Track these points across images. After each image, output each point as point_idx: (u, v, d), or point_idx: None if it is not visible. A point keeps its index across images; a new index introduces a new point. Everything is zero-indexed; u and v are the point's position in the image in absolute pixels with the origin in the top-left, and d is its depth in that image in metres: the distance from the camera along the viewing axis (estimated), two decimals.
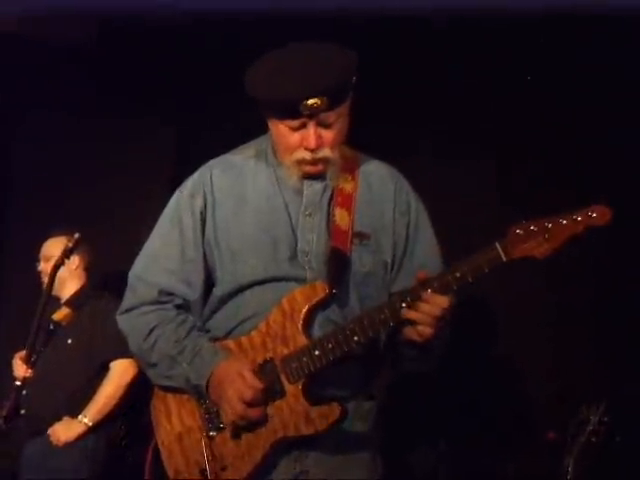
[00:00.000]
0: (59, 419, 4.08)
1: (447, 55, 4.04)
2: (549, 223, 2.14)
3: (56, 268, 4.16)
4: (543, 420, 3.71)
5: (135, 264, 2.52)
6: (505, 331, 3.93)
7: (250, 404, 2.28)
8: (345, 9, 3.79)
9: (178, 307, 2.45)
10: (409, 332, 2.26)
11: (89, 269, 4.42)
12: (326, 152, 2.36)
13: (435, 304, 2.19)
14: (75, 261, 4.34)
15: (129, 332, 2.48)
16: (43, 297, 4.13)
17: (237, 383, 2.28)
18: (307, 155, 2.36)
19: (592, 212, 2.12)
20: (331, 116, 2.32)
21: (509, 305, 3.88)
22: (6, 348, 4.47)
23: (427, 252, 2.49)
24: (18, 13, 4.23)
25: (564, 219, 2.13)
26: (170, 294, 2.45)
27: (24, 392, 4.13)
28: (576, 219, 2.12)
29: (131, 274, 2.51)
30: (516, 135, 3.96)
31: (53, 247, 4.32)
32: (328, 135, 2.35)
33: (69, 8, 4.06)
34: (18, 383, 4.13)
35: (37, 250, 4.39)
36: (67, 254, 4.19)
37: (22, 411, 4.13)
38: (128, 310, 2.48)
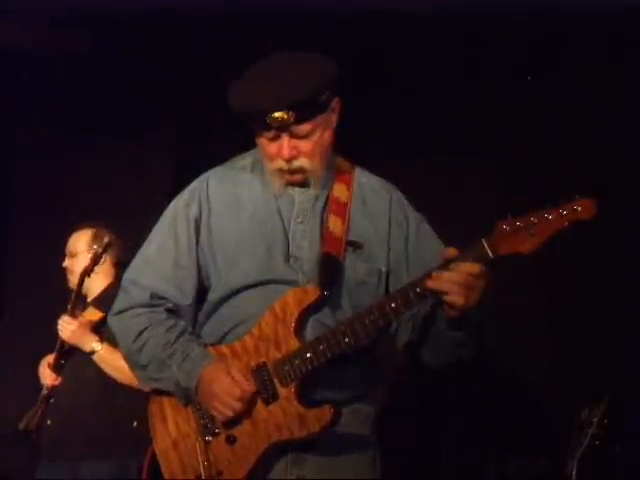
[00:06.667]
0: (87, 434, 3.76)
1: (447, 55, 4.03)
2: (535, 218, 2.13)
3: (84, 275, 3.88)
4: (547, 420, 3.69)
5: (130, 268, 2.56)
6: (504, 331, 3.90)
7: (238, 401, 2.30)
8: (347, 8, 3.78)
9: (169, 311, 2.48)
10: (443, 309, 2.22)
11: (119, 264, 3.98)
12: (302, 162, 2.39)
13: (459, 271, 2.14)
14: (103, 259, 3.98)
15: (120, 333, 2.52)
16: (71, 301, 3.86)
17: (225, 381, 2.31)
18: (283, 165, 2.39)
19: (577, 206, 2.10)
20: (305, 128, 2.34)
21: (508, 304, 3.85)
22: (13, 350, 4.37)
23: (436, 257, 2.38)
24: (16, 23, 4.27)
25: (550, 214, 2.12)
26: (162, 298, 2.47)
27: (51, 401, 3.90)
28: (562, 213, 2.11)
29: (125, 277, 2.55)
30: (516, 135, 3.96)
31: (78, 242, 4.02)
32: (304, 146, 2.36)
33: (66, 17, 4.11)
34: (45, 391, 3.89)
35: (37, 259, 4.26)
36: (97, 261, 3.90)
37: (48, 422, 3.88)
38: (120, 312, 2.52)
